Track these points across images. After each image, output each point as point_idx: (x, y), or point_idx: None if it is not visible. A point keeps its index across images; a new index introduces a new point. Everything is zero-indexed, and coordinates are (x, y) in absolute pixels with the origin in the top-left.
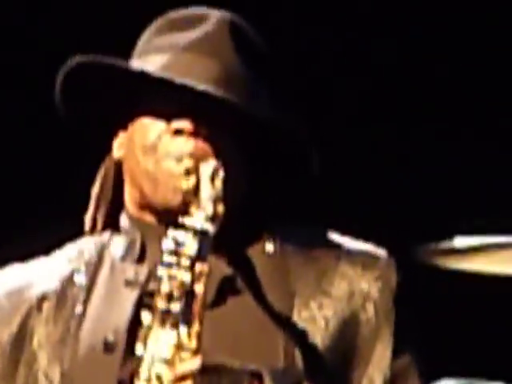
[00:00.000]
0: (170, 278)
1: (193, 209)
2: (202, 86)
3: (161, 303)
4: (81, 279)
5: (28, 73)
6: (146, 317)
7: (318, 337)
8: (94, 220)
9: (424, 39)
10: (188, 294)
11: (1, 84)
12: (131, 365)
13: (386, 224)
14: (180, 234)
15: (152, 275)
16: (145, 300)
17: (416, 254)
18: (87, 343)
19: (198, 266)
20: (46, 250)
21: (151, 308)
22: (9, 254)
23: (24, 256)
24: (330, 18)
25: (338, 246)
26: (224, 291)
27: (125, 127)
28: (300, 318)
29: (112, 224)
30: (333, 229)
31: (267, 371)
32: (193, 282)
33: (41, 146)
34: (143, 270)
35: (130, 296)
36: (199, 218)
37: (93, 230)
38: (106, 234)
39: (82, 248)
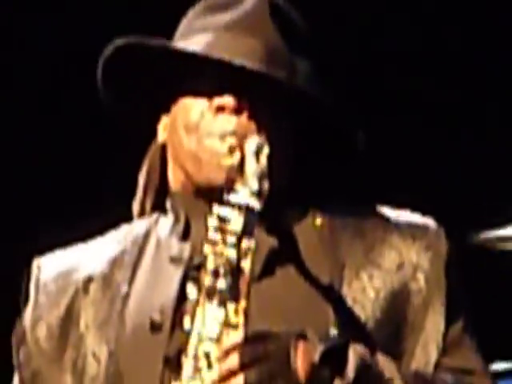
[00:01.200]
0: (216, 254)
1: (238, 185)
2: (243, 62)
3: (207, 280)
4: (127, 259)
5: (69, 57)
6: (192, 291)
7: (369, 307)
8: (143, 204)
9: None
10: (234, 270)
11: (39, 70)
12: (178, 341)
13: (438, 210)
14: (225, 211)
15: (196, 251)
16: (190, 274)
17: (470, 240)
18: (133, 322)
19: (245, 243)
20: (94, 233)
21: (197, 282)
22: (55, 239)
23: (71, 240)
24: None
25: (386, 218)
26: (271, 264)
27: (168, 110)
28: (350, 289)
29: (160, 207)
30: (381, 201)
31: (312, 331)
32: (239, 258)
33: (88, 133)
34: (187, 247)
35: (175, 273)
36: (244, 194)
37: (142, 214)
38: (154, 215)
39: (131, 229)
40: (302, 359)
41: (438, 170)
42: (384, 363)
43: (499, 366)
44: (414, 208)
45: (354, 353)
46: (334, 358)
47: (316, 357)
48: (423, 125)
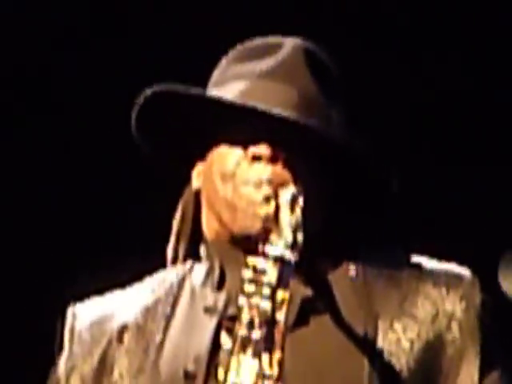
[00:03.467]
0: (251, 306)
1: (272, 236)
2: (280, 112)
3: (242, 331)
4: (161, 308)
5: (105, 100)
6: (226, 341)
7: (403, 359)
8: (176, 251)
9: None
10: (269, 322)
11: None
12: None
13: (469, 244)
14: (260, 262)
15: (231, 301)
16: (225, 324)
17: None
18: (167, 372)
19: (280, 294)
20: (130, 282)
21: (231, 332)
22: (90, 287)
23: (105, 289)
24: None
25: (420, 268)
26: (305, 313)
27: (202, 157)
28: (385, 340)
29: (193, 254)
30: (415, 250)
31: None
32: (274, 310)
33: (123, 178)
34: (222, 297)
35: (210, 323)
36: (279, 245)
37: (175, 261)
38: (188, 263)
39: (165, 278)
40: None
41: (473, 218)
42: None
43: None
44: (449, 257)
45: None
46: None
47: None
48: (456, 172)
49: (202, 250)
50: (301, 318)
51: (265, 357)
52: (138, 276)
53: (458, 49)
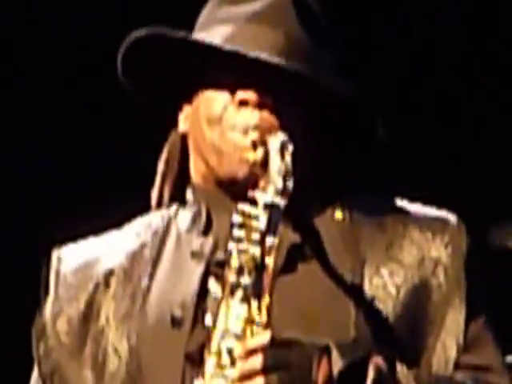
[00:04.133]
0: (240, 252)
1: (262, 183)
2: (266, 56)
3: (231, 277)
4: (147, 252)
5: (91, 47)
6: (213, 287)
7: (390, 304)
8: (161, 194)
9: None
10: (258, 267)
11: (61, 61)
12: (199, 337)
13: (459, 203)
14: (249, 208)
15: (218, 246)
16: (212, 269)
17: (491, 235)
18: (154, 317)
19: (269, 240)
20: (114, 225)
21: (219, 277)
22: (76, 231)
23: (90, 232)
24: None
25: (406, 213)
26: (293, 259)
27: (189, 100)
28: (371, 285)
29: (179, 197)
30: (401, 195)
31: (335, 345)
32: (263, 255)
33: (107, 121)
34: (209, 242)
35: (197, 268)
36: (269, 192)
37: (159, 204)
38: (173, 207)
39: (150, 221)
40: (322, 373)
41: (461, 165)
42: (403, 373)
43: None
44: (435, 202)
45: (373, 368)
46: (353, 373)
47: (336, 373)
48: (446, 120)
49: (188, 194)
50: (288, 264)
51: (254, 303)
52: (122, 220)
53: None
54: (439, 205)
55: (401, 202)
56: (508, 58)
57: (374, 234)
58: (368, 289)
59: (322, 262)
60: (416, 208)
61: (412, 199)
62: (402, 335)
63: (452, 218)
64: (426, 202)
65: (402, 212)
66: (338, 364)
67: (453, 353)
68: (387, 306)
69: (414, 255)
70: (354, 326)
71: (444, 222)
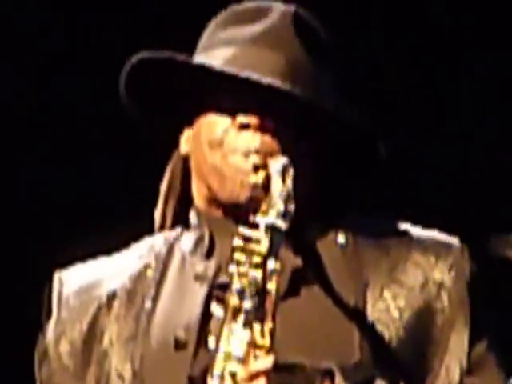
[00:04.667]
0: (241, 275)
1: (264, 206)
2: (267, 80)
3: (233, 300)
4: (150, 275)
5: (94, 68)
6: (216, 310)
7: (393, 327)
8: (164, 216)
9: None
10: (260, 291)
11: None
12: (203, 360)
13: (457, 214)
14: (251, 232)
15: (221, 269)
16: (215, 293)
17: (490, 245)
18: (158, 340)
19: (270, 264)
20: (116, 247)
21: (221, 301)
22: (79, 253)
23: (93, 254)
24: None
25: (409, 236)
26: (295, 283)
27: (191, 123)
28: (374, 308)
29: (182, 220)
30: (403, 219)
31: (338, 369)
32: (265, 279)
33: (108, 144)
34: (212, 265)
35: (200, 291)
36: (271, 215)
37: (162, 226)
38: (177, 230)
39: (153, 244)
40: None
41: (461, 189)
42: None
43: None
44: (435, 224)
45: None
46: None
47: None
48: (442, 124)
49: (192, 217)
50: (291, 288)
51: (256, 326)
52: (125, 242)
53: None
54: (439, 224)
55: (403, 225)
56: None
57: (377, 258)
58: (371, 312)
59: (324, 286)
60: (419, 231)
61: (413, 217)
62: (405, 358)
63: (455, 241)
64: (427, 219)
65: (405, 235)
66: None
67: (456, 376)
68: (390, 330)
69: (417, 278)
70: (358, 350)
71: (447, 246)
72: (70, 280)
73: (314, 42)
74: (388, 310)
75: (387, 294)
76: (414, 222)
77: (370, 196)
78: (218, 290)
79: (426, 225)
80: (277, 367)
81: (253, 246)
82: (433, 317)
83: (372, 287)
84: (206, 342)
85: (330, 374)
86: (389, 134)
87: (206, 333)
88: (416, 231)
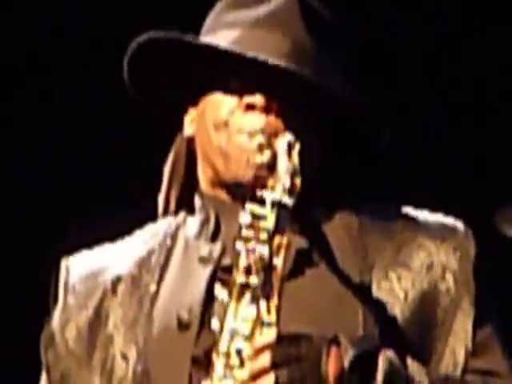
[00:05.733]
0: (248, 251)
1: (270, 182)
2: (273, 61)
3: (239, 277)
4: (155, 259)
5: (96, 50)
6: (220, 292)
7: (398, 308)
8: (167, 201)
9: None
10: (266, 267)
11: (63, 62)
12: (206, 341)
13: (462, 194)
14: (258, 208)
15: (226, 251)
16: (219, 275)
17: (496, 222)
18: (161, 322)
19: (277, 239)
20: (121, 233)
21: (225, 283)
22: (83, 240)
23: (98, 240)
24: None
25: (414, 219)
26: (301, 264)
27: (195, 104)
28: (379, 289)
29: (186, 204)
30: (407, 202)
31: (345, 337)
32: (271, 255)
33: (111, 129)
34: (217, 247)
35: (204, 272)
36: (277, 190)
37: (167, 210)
38: (181, 214)
39: (157, 229)
40: (332, 364)
41: (463, 174)
42: (413, 367)
43: None
44: (439, 210)
45: (384, 358)
46: (364, 363)
47: (346, 363)
48: (442, 106)
49: (197, 201)
50: (296, 269)
51: (262, 303)
52: (129, 228)
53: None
54: (442, 208)
55: (408, 209)
56: None
57: (383, 240)
58: (376, 292)
59: (329, 267)
60: (423, 215)
61: (416, 203)
62: (410, 338)
63: (460, 224)
64: (430, 205)
65: (410, 218)
66: (348, 354)
67: (461, 357)
68: (395, 310)
69: (422, 260)
70: (362, 328)
71: (452, 229)
72: (76, 267)
73: (319, 25)
74: (393, 291)
75: (392, 275)
76: (418, 207)
77: (375, 181)
78: (222, 273)
79: (430, 209)
80: (281, 340)
81: (260, 222)
82: (438, 298)
83: (377, 268)
84: (209, 324)
85: (336, 341)
86: (391, 118)
87: (210, 314)
88: (421, 215)
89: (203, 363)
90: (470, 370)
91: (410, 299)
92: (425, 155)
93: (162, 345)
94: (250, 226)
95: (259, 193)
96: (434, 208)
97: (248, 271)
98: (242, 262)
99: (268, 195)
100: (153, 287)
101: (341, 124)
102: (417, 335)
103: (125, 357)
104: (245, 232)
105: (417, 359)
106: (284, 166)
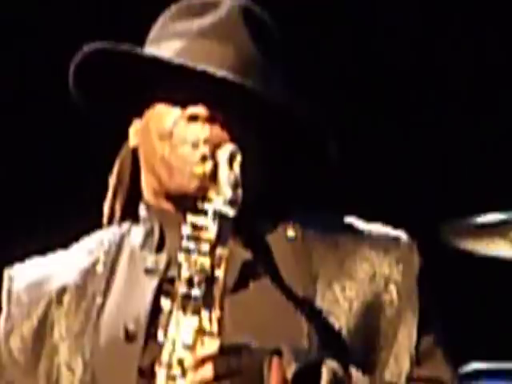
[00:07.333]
0: (190, 263)
1: (211, 193)
2: (217, 72)
3: (181, 288)
4: (100, 270)
5: (41, 61)
6: (166, 304)
7: (343, 319)
8: (112, 210)
9: None
10: (208, 278)
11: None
12: (152, 352)
13: (407, 204)
14: (199, 219)
15: (171, 263)
16: (165, 287)
17: (439, 232)
18: (108, 332)
19: (219, 251)
20: (66, 242)
21: (171, 295)
22: (27, 249)
23: (43, 250)
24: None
25: (357, 230)
26: (245, 276)
27: (140, 115)
28: (323, 300)
29: (131, 214)
30: (352, 213)
31: (288, 349)
32: (213, 266)
33: (57, 136)
34: (162, 258)
35: (150, 284)
36: (218, 201)
37: (111, 220)
38: (126, 224)
39: (102, 239)
40: (275, 376)
41: (408, 184)
42: (358, 377)
43: (472, 366)
44: (384, 219)
45: (328, 369)
46: (307, 375)
47: (290, 374)
48: (390, 116)
49: (141, 211)
50: (241, 281)
51: (204, 314)
52: (74, 238)
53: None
54: (385, 219)
55: (352, 220)
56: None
57: (326, 252)
58: (320, 304)
59: (273, 279)
60: (367, 226)
61: (361, 215)
62: (354, 349)
63: (403, 235)
64: (374, 216)
65: (354, 230)
66: (291, 367)
67: (406, 365)
68: (340, 320)
69: (366, 271)
70: (307, 340)
71: (395, 240)
72: (20, 276)
73: (263, 35)
74: (337, 302)
75: (336, 286)
76: (361, 217)
77: (317, 191)
78: (167, 284)
79: (373, 218)
80: (223, 351)
81: (201, 233)
82: (382, 309)
83: (321, 279)
84: (156, 335)
85: (278, 353)
86: (338, 130)
87: (156, 326)
88: (364, 225)
89: (149, 374)
90: (414, 378)
91: (354, 309)
92: (371, 166)
93: (108, 356)
94: (192, 238)
95: (200, 205)
96: (378, 219)
97: (190, 282)
98: (184, 274)
99: (209, 206)
100: (99, 299)
101: (287, 135)
102: (361, 345)
103: (70, 368)
104: (186, 243)
105: (361, 369)
106: (225, 176)
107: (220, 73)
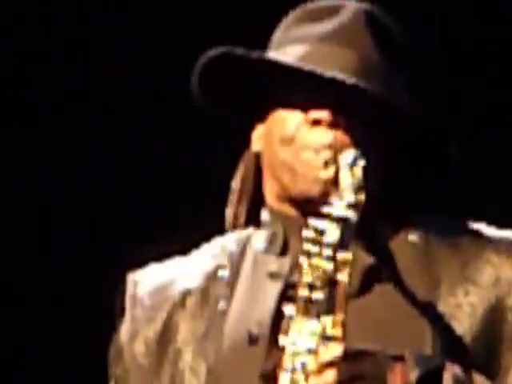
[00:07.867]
0: (312, 267)
1: (333, 198)
2: (339, 75)
3: (303, 292)
4: (224, 274)
5: (165, 65)
6: (288, 309)
7: (466, 323)
8: (236, 215)
9: None
10: (331, 282)
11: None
12: (275, 357)
13: None
14: (321, 223)
15: (295, 267)
16: (288, 292)
17: None
18: (231, 337)
19: (341, 255)
20: (189, 247)
21: (293, 299)
22: (151, 254)
23: (166, 255)
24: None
25: (481, 235)
26: (368, 281)
27: (263, 119)
28: (446, 305)
29: (253, 219)
30: (477, 219)
31: (410, 354)
32: (335, 270)
33: (178, 143)
34: (286, 262)
35: (274, 288)
36: (340, 206)
37: (235, 225)
38: (249, 229)
39: (225, 243)
40: (398, 382)
41: None
42: (480, 383)
43: None
44: (505, 226)
45: (450, 375)
46: (429, 380)
47: (412, 380)
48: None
49: (264, 215)
50: (364, 286)
51: (327, 318)
52: (195, 243)
53: None
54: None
55: (476, 225)
56: None
57: (449, 256)
58: (443, 308)
59: (396, 283)
60: (491, 231)
61: (485, 219)
62: (477, 354)
63: None
64: (498, 220)
65: (477, 234)
66: (413, 372)
67: None
68: (463, 325)
69: (489, 276)
70: (431, 346)
71: None
72: (144, 281)
73: (386, 40)
74: (460, 306)
75: (459, 290)
76: (488, 223)
77: (442, 195)
78: (291, 289)
79: (500, 225)
80: (346, 356)
81: (323, 237)
82: (505, 313)
83: (444, 284)
84: (277, 340)
85: (401, 359)
86: (460, 134)
87: (278, 330)
88: (487, 230)
89: (271, 379)
90: None
91: (477, 314)
92: (492, 169)
93: (232, 360)
94: (314, 242)
95: (322, 208)
96: (500, 223)
97: (312, 287)
98: (306, 278)
99: (332, 210)
100: (223, 303)
101: (408, 139)
102: (484, 350)
103: (195, 372)
104: (307, 247)
105: (483, 375)
106: (347, 181)
107: (344, 77)
